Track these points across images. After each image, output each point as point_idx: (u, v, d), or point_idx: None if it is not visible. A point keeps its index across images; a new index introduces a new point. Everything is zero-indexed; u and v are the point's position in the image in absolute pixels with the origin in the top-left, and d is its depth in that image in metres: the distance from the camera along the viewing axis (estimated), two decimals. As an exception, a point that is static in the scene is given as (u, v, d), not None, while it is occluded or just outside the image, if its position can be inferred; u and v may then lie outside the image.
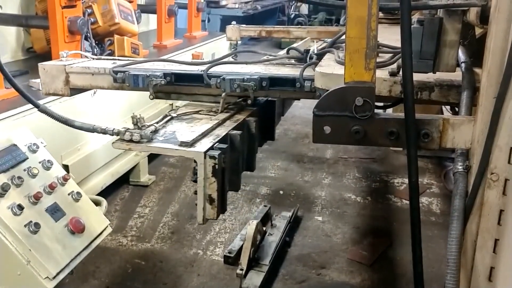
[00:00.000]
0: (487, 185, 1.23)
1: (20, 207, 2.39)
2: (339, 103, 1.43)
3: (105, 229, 2.85)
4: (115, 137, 2.18)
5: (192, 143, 1.71)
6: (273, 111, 2.34)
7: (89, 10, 4.48)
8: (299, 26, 5.83)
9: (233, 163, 1.81)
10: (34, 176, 2.59)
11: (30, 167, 2.59)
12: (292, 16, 13.21)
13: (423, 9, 1.54)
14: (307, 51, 2.23)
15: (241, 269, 3.40)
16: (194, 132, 1.82)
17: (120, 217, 4.25)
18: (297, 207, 4.38)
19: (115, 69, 2.17)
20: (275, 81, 1.99)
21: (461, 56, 1.57)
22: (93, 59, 2.50)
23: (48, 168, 2.70)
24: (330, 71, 1.68)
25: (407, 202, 4.66)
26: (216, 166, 1.59)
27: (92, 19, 4.50)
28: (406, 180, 5.14)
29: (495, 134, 1.22)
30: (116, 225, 4.12)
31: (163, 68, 2.19)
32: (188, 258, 3.69)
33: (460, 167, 1.34)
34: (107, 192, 4.53)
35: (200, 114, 2.07)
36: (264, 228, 3.92)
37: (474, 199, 1.24)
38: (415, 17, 1.59)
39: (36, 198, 2.50)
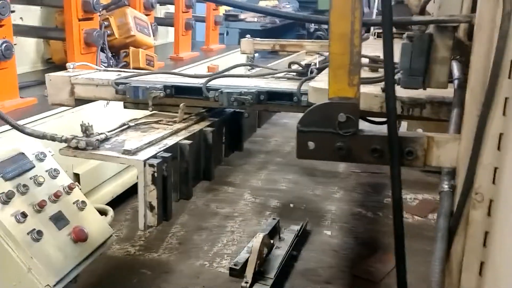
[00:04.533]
0: (471, 205, 1.20)
1: (24, 215, 2.44)
2: (323, 119, 1.43)
3: (108, 238, 2.88)
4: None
5: (135, 152, 1.72)
6: (240, 123, 2.35)
7: (105, 23, 4.58)
8: (313, 40, 5.83)
9: (182, 172, 1.81)
10: (40, 184, 2.64)
11: (36, 175, 2.63)
12: (312, 30, 13.23)
13: (406, 25, 1.54)
14: (308, 65, 2.24)
15: (246, 282, 3.39)
16: (142, 141, 1.84)
17: (130, 226, 4.29)
18: (306, 221, 4.36)
19: (117, 81, 2.21)
20: (272, 95, 2.01)
21: (456, 72, 1.55)
22: (100, 70, 2.55)
23: (54, 177, 2.75)
24: (324, 86, 1.68)
25: (419, 218, 4.64)
26: (155, 174, 1.59)
27: (108, 32, 4.60)
28: (419, 196, 5.09)
29: (479, 153, 1.20)
30: (125, 234, 4.15)
31: (165, 81, 2.22)
32: (194, 270, 3.69)
33: (446, 186, 1.32)
34: (119, 201, 4.59)
35: (159, 123, 2.09)
36: (272, 241, 3.91)
37: (459, 219, 1.21)
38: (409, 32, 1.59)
39: (41, 206, 2.55)
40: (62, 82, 2.35)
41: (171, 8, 6.79)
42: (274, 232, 4.15)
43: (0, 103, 3.49)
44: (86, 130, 1.92)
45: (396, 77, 1.40)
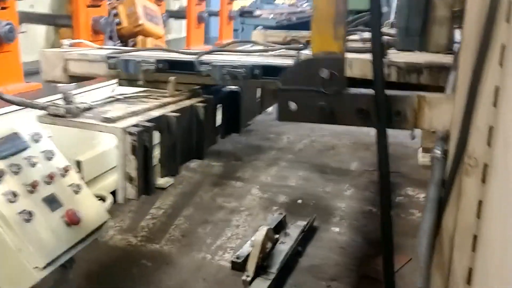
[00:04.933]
0: (464, 172, 1.05)
1: (15, 195, 2.37)
2: (306, 76, 1.31)
3: (104, 223, 2.80)
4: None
5: (115, 120, 1.62)
6: (238, 103, 2.23)
7: (114, 11, 4.54)
8: None
9: (168, 146, 1.70)
10: (33, 165, 2.57)
11: (30, 156, 2.57)
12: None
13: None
14: (308, 41, 2.12)
15: (247, 276, 3.28)
16: (126, 111, 1.73)
17: (133, 217, 4.22)
18: (313, 217, 4.22)
19: (109, 55, 2.14)
20: (268, 70, 1.90)
21: (458, 36, 1.42)
22: (95, 48, 2.48)
23: (49, 159, 2.68)
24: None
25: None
26: (135, 143, 1.49)
27: (117, 20, 4.56)
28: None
29: (472, 113, 1.06)
30: (127, 225, 4.08)
31: (158, 56, 2.13)
32: (196, 262, 3.60)
33: (438, 152, 1.18)
34: (124, 192, 4.53)
35: (149, 98, 1.99)
36: (276, 236, 3.78)
37: (451, 189, 1.07)
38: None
39: (33, 187, 2.48)
40: (55, 58, 2.29)
41: (185, 2, 6.75)
42: (279, 227, 4.03)
43: (3, 86, 3.45)
44: (66, 98, 1.84)
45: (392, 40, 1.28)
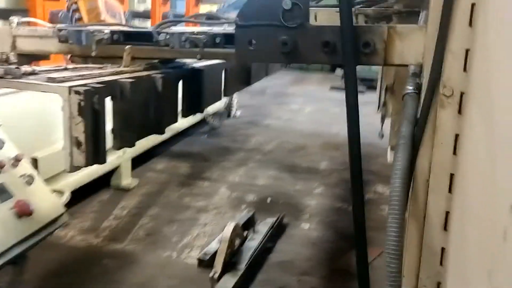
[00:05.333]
0: (439, 104, 0.97)
1: (-42, 183, 2.19)
2: (265, 9, 1.21)
3: (59, 217, 2.63)
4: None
5: (61, 81, 1.48)
6: (200, 81, 2.13)
7: (74, 6, 4.37)
8: None
9: (122, 114, 1.57)
10: (-20, 153, 2.39)
11: (-24, 144, 2.39)
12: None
13: None
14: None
15: (215, 272, 3.14)
16: (73, 75, 1.59)
17: (95, 218, 4.02)
18: (282, 214, 4.12)
19: (60, 28, 2.00)
20: (230, 38, 1.79)
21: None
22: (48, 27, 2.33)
23: (-1, 148, 2.51)
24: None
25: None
26: (82, 103, 1.35)
27: (77, 15, 4.38)
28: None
29: (447, 37, 0.97)
30: (89, 225, 3.88)
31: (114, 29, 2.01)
32: (160, 260, 3.43)
33: (410, 88, 1.09)
34: (85, 194, 4.33)
35: (102, 69, 1.85)
36: (245, 233, 3.66)
37: (425, 124, 0.98)
38: None
39: (-20, 176, 2.31)
40: (3, 34, 2.13)
41: (150, 5, 6.63)
42: (248, 225, 3.91)
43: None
44: (7, 59, 1.70)
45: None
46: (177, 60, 2.18)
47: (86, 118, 1.37)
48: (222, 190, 4.77)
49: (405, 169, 0.96)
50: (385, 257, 0.99)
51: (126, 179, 4.68)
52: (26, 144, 3.17)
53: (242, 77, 2.93)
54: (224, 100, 7.55)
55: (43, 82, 1.50)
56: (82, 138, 1.38)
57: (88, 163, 1.41)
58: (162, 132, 1.90)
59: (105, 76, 1.65)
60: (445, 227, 0.96)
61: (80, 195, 4.22)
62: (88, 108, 1.39)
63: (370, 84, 10.97)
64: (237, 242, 3.49)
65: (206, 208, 4.34)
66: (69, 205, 3.63)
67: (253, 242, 3.59)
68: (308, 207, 4.46)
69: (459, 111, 0.92)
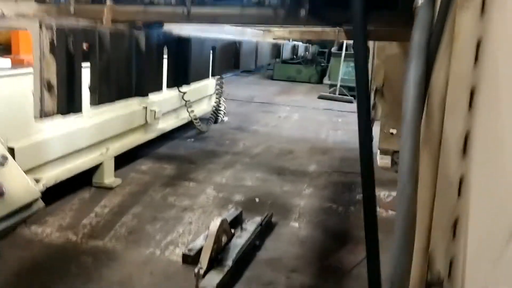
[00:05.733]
0: (459, 6, 0.84)
1: None
2: None
3: (34, 201, 2.47)
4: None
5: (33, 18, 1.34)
6: (187, 51, 2.01)
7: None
8: (281, 26, 5.59)
9: (100, 66, 1.42)
10: None
11: None
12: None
13: None
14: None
15: (200, 268, 2.98)
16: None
17: (74, 215, 3.84)
18: (270, 213, 3.97)
19: (37, -13, 1.87)
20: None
21: None
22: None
23: (-31, 125, 2.34)
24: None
25: (393, 212, 4.30)
26: (55, 41, 1.21)
27: None
28: (393, 193, 4.76)
29: None
30: (67, 222, 3.70)
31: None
32: (143, 257, 3.26)
33: None
34: (65, 192, 4.15)
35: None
36: (233, 231, 3.51)
37: (442, 31, 0.85)
38: None
39: None
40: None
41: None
42: (236, 223, 3.76)
43: None
44: None
45: None
46: (164, 29, 2.06)
47: (59, 58, 1.24)
48: (208, 190, 4.62)
49: (420, 81, 0.84)
50: (397, 193, 0.87)
51: (109, 178, 4.50)
52: (1, 133, 3.01)
53: (231, 60, 2.82)
54: (211, 104, 7.45)
55: (13, 17, 1.37)
56: (53, 80, 1.24)
57: (60, 109, 1.27)
58: (145, 94, 1.77)
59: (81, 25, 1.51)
60: (464, 150, 0.84)
61: (59, 192, 4.05)
62: (62, 48, 1.25)
63: (358, 95, 10.96)
64: (224, 238, 3.34)
65: (192, 207, 4.18)
66: (47, 202, 3.47)
67: (241, 240, 3.44)
68: (297, 207, 4.33)
69: (482, 10, 0.81)
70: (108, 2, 1.64)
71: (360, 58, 1.14)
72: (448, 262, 0.88)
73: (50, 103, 1.23)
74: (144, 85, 1.71)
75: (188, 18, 1.82)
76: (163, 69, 1.92)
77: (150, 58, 1.73)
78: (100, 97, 1.44)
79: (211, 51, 2.48)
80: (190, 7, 1.66)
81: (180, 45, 2.03)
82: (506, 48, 0.75)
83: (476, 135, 0.82)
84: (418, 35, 0.87)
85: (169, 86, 2.01)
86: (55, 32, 1.22)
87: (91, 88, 1.43)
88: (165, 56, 2.04)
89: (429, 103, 0.88)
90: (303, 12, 1.61)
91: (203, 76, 2.32)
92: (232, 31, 3.33)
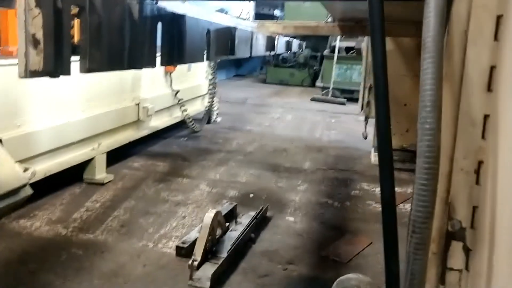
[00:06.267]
0: None
1: None
2: None
3: (21, 188, 2.38)
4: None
5: None
6: (182, 28, 1.94)
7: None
8: (275, 21, 5.55)
9: (91, 28, 1.34)
10: None
11: None
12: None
13: None
14: None
15: (195, 260, 2.89)
16: None
17: (65, 210, 3.74)
18: (265, 206, 3.90)
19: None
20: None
21: None
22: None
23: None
24: None
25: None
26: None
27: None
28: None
29: None
30: (57, 216, 3.60)
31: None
32: (135, 249, 3.17)
33: None
34: (56, 187, 4.05)
35: None
36: (227, 225, 3.43)
37: None
38: None
39: None
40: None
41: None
42: (230, 217, 3.68)
43: None
44: None
45: None
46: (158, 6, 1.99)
47: (46, 10, 1.16)
48: (202, 186, 4.54)
49: (440, 5, 0.77)
50: (419, 128, 0.80)
51: (100, 173, 4.41)
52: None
53: (226, 45, 2.75)
54: (204, 104, 7.38)
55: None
56: (40, 35, 1.16)
57: (47, 67, 1.19)
58: (138, 67, 1.70)
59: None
60: (489, 87, 0.77)
61: (49, 188, 3.95)
62: (49, 0, 1.18)
63: (351, 96, 10.96)
64: (218, 231, 3.25)
65: (185, 202, 4.09)
66: (36, 197, 3.38)
67: (236, 232, 3.36)
68: (292, 201, 4.26)
69: None
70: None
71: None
72: (470, 211, 0.81)
73: (36, 60, 1.16)
74: (137, 57, 1.64)
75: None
76: (157, 43, 1.85)
77: (143, 29, 1.67)
78: (90, 62, 1.36)
79: (206, 34, 2.41)
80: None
81: (175, 21, 1.96)
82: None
83: (503, 69, 0.75)
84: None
85: (163, 63, 1.94)
86: (42, -17, 1.15)
87: (82, 52, 1.36)
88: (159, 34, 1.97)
89: (449, 33, 0.82)
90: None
91: (198, 58, 2.25)
92: (226, 19, 3.27)
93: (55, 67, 1.22)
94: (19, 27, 1.13)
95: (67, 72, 1.27)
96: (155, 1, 1.96)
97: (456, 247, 0.82)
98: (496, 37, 0.78)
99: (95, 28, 1.37)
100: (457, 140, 0.83)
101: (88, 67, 1.37)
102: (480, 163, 0.80)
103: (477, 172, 0.81)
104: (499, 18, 0.77)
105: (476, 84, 0.79)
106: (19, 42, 1.15)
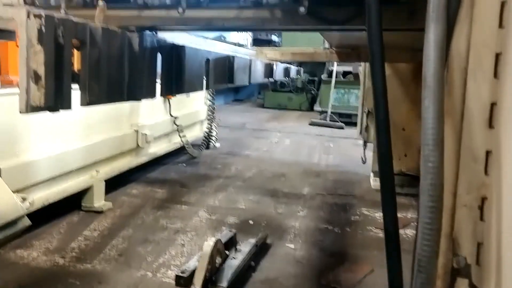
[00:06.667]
0: None
1: None
2: None
3: (19, 219, 2.36)
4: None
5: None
6: (181, 58, 1.96)
7: None
8: (273, 47, 5.61)
9: (93, 63, 1.35)
10: None
11: None
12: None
13: None
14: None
15: (194, 290, 2.85)
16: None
17: (62, 239, 3.70)
18: (265, 234, 3.87)
19: (27, -10, 1.82)
20: (215, -2, 1.64)
21: None
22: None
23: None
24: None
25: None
26: (43, 28, 1.14)
27: None
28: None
29: None
30: (55, 246, 3.56)
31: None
32: (134, 279, 3.12)
33: None
34: (53, 216, 4.02)
35: None
36: (227, 252, 3.39)
37: None
38: None
39: None
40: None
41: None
42: (230, 244, 3.64)
43: None
44: None
45: None
46: (158, 36, 2.01)
47: (47, 46, 1.17)
48: (201, 213, 4.51)
49: (439, 44, 0.78)
50: (422, 166, 0.79)
51: (99, 201, 4.38)
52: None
53: (225, 73, 2.77)
54: (203, 130, 7.39)
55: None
56: (41, 70, 1.16)
57: (48, 102, 1.19)
58: (137, 99, 1.70)
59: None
60: (490, 124, 0.77)
61: (46, 216, 3.92)
62: (51, 36, 1.19)
63: (349, 120, 11.00)
64: (218, 259, 3.22)
65: (184, 229, 4.06)
66: (34, 226, 3.35)
67: (235, 261, 3.32)
68: (292, 227, 4.23)
69: (504, -26, 0.76)
70: (100, 5, 1.59)
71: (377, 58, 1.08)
72: (475, 247, 0.81)
73: (37, 95, 1.16)
74: (136, 88, 1.64)
75: (183, 22, 1.78)
76: (157, 74, 1.86)
77: (143, 61, 1.68)
78: (90, 95, 1.37)
79: (205, 63, 2.43)
80: (185, 8, 1.61)
81: (175, 52, 1.98)
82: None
83: (504, 106, 0.75)
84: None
85: (163, 93, 1.95)
86: (43, 20, 1.16)
87: (81, 86, 1.36)
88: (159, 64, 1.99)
89: (449, 69, 0.83)
90: (302, 10, 1.57)
91: (197, 87, 2.26)
92: (225, 48, 3.30)
93: (56, 102, 1.22)
94: (20, 63, 1.14)
95: (67, 106, 1.28)
96: (154, 32, 1.98)
97: (462, 284, 0.80)
98: (495, 74, 0.79)
99: (95, 62, 1.38)
100: (460, 175, 0.83)
101: (88, 100, 1.38)
102: (483, 199, 0.80)
103: (481, 208, 0.80)
104: (498, 55, 0.78)
105: (477, 120, 0.79)
106: (20, 78, 1.16)
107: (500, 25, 0.78)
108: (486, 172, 0.79)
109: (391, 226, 1.09)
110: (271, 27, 1.79)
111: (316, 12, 1.58)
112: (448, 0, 0.82)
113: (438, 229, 0.79)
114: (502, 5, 0.78)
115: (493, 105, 0.79)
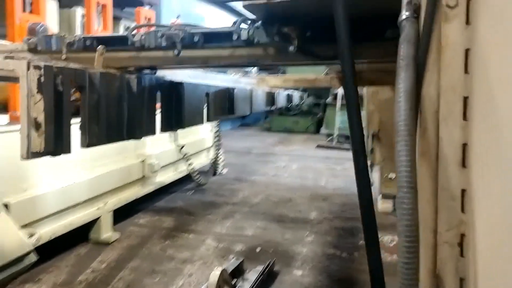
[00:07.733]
0: (443, 19, 0.83)
1: None
2: None
3: (26, 255, 2.40)
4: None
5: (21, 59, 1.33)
6: (180, 95, 2.01)
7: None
8: (276, 75, 5.68)
9: (93, 106, 1.41)
10: None
11: None
12: (281, 100, 13.31)
13: None
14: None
15: (201, 321, 2.86)
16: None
17: (70, 272, 3.72)
18: (272, 260, 3.87)
19: (29, 37, 1.89)
20: (209, 37, 1.71)
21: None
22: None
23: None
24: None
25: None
26: (43, 78, 1.20)
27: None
28: (397, 238, 4.66)
29: None
30: (63, 279, 3.58)
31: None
32: (141, 312, 3.13)
33: (407, 12, 0.94)
34: (61, 249, 4.06)
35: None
36: (234, 282, 3.40)
37: (428, 44, 0.83)
38: None
39: None
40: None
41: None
42: (237, 273, 3.65)
43: None
44: None
45: None
46: (157, 75, 2.08)
47: (46, 96, 1.23)
48: (208, 241, 4.52)
49: (410, 92, 0.82)
50: (397, 208, 0.83)
51: (106, 232, 4.41)
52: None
53: (225, 105, 2.83)
54: (209, 157, 7.44)
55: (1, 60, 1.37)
56: (41, 118, 1.22)
57: (48, 149, 1.24)
58: (137, 137, 1.75)
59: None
60: (464, 163, 0.80)
61: (54, 249, 3.95)
62: (50, 85, 1.24)
63: (355, 142, 11.00)
64: (225, 289, 3.23)
65: (191, 259, 4.07)
66: (42, 260, 3.39)
67: (243, 290, 3.32)
68: (299, 254, 4.22)
69: (467, 21, 0.80)
70: (100, 49, 1.65)
71: (351, 92, 1.14)
72: (458, 283, 0.83)
73: (38, 142, 1.21)
74: (136, 127, 1.70)
75: (180, 61, 1.84)
76: (156, 112, 1.92)
77: (142, 101, 1.73)
78: (90, 137, 1.42)
79: (204, 97, 2.49)
80: (180, 50, 1.67)
81: (173, 90, 2.04)
82: (495, 55, 0.74)
83: (475, 146, 0.79)
84: (405, 48, 0.86)
85: (163, 130, 2.00)
86: (42, 70, 1.22)
87: (82, 128, 1.42)
88: (159, 101, 2.04)
89: (422, 115, 0.87)
90: (291, 48, 1.62)
91: (198, 121, 2.32)
92: (225, 79, 3.37)
93: (56, 147, 1.27)
94: (21, 111, 1.19)
95: (67, 151, 1.33)
96: (153, 71, 2.04)
97: (447, 320, 0.83)
98: (465, 116, 0.82)
99: (94, 105, 1.43)
100: (439, 213, 0.86)
101: (88, 142, 1.43)
102: (462, 235, 0.83)
103: (461, 244, 0.83)
104: (465, 99, 0.82)
105: (451, 160, 0.83)
106: (21, 126, 1.21)
107: (466, 70, 0.82)
108: (463, 210, 0.82)
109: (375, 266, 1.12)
110: (265, 63, 1.84)
111: (307, 49, 1.63)
112: (417, 49, 0.86)
113: (416, 268, 0.82)
114: (466, 52, 0.82)
115: (464, 145, 0.82)
